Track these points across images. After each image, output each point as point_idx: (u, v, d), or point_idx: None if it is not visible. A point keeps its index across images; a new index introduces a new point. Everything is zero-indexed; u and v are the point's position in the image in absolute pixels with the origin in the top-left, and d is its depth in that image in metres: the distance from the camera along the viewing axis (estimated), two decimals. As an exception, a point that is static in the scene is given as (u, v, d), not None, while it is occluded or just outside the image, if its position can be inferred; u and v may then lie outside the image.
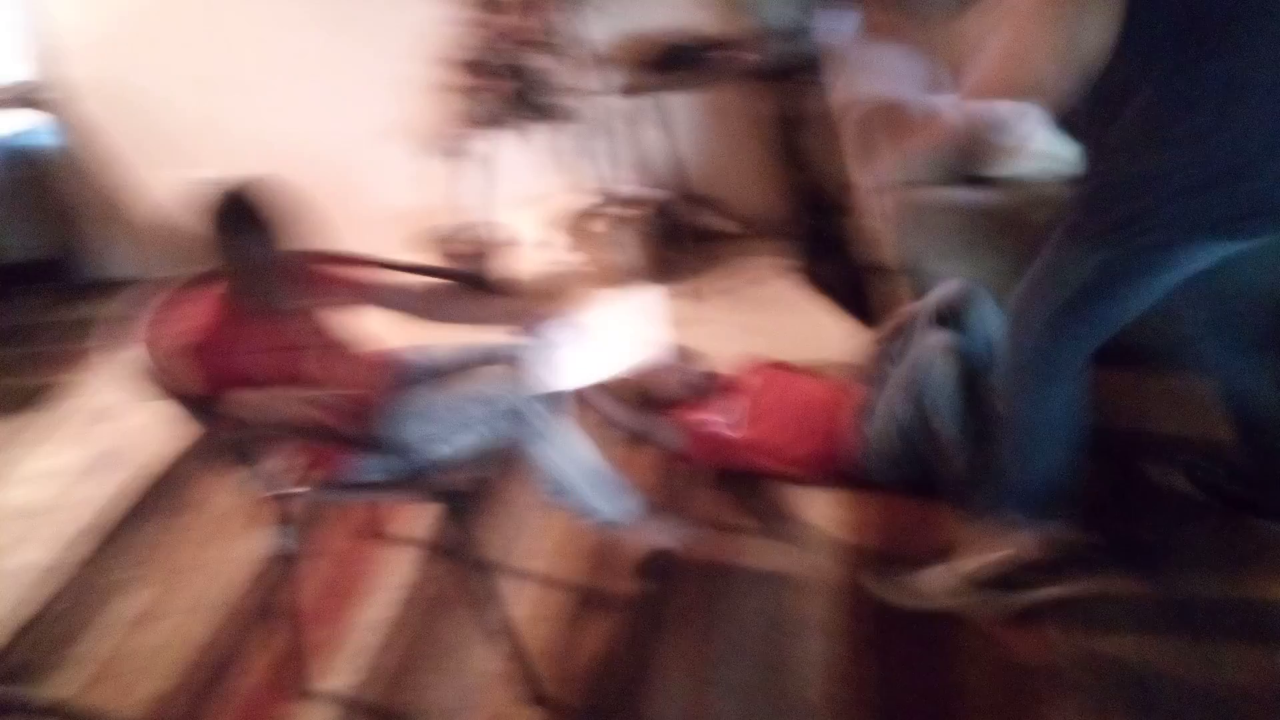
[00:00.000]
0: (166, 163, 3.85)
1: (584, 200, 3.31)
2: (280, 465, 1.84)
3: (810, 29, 2.93)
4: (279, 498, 1.80)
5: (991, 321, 1.99)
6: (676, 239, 3.10)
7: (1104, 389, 1.69)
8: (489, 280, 3.19)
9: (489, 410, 1.77)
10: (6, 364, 3.71)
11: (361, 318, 1.92)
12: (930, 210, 2.23)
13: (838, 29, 2.72)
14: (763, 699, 1.71)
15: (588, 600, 1.98)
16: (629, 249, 3.14)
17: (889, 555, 1.93)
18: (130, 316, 1.71)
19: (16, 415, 3.31)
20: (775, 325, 2.84)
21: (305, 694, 1.92)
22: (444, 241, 3.33)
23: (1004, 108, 1.74)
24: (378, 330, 1.95)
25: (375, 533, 2.32)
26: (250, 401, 1.64)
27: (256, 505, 2.51)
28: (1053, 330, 1.57)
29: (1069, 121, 1.54)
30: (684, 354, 2.37)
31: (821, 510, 2.09)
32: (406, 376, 1.92)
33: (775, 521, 2.09)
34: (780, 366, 2.39)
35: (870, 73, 2.41)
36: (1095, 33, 1.31)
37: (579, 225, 3.29)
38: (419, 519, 2.34)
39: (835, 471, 2.11)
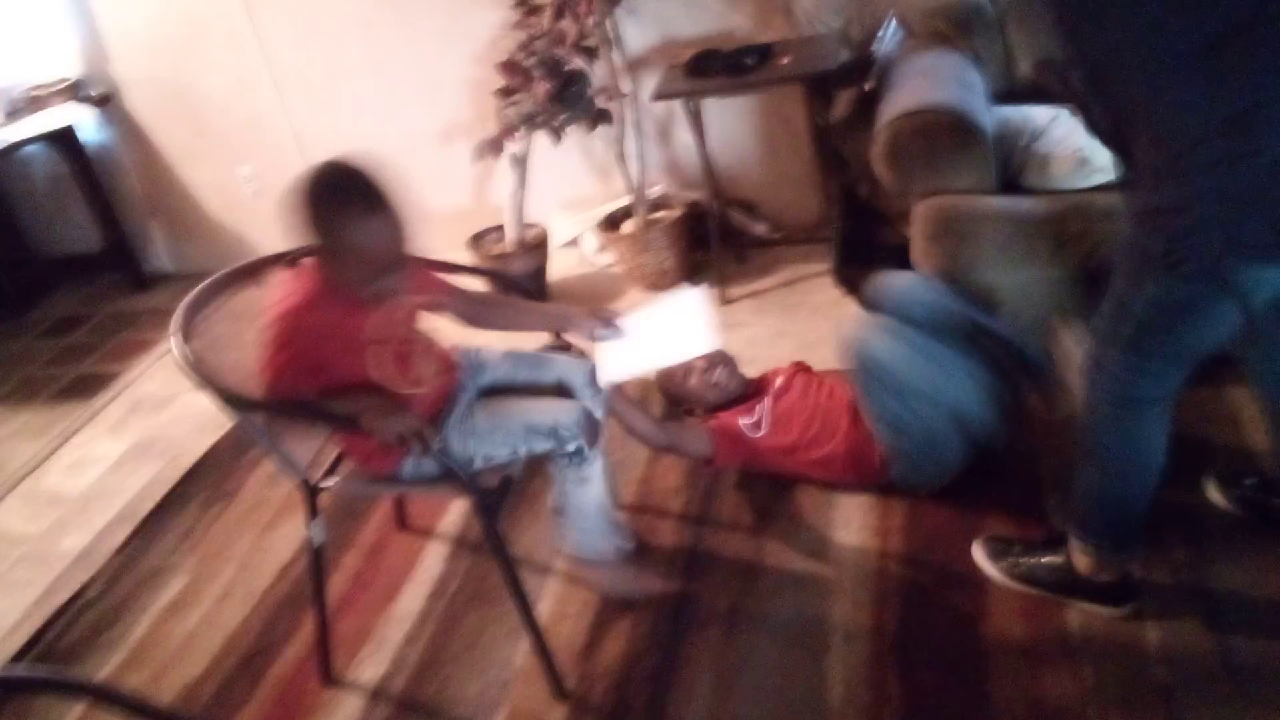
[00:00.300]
0: (215, 160, 3.93)
1: (619, 203, 3.32)
2: (313, 457, 1.86)
3: (856, 37, 2.93)
4: (311, 489, 1.82)
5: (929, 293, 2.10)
6: (712, 242, 3.10)
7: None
8: (529, 283, 3.21)
9: (530, 428, 1.75)
10: (53, 354, 3.80)
11: (426, 320, 1.85)
12: (968, 219, 2.21)
13: (885, 37, 2.71)
14: (786, 701, 1.70)
15: (613, 599, 1.98)
16: (662, 252, 3.15)
17: (915, 558, 1.92)
18: (174, 309, 1.72)
19: (61, 403, 3.39)
20: (806, 329, 2.83)
21: (333, 683, 1.95)
22: (486, 244, 3.36)
23: None
24: (434, 333, 1.90)
25: (404, 526, 2.35)
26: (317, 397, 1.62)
27: (289, 496, 2.55)
28: (1126, 365, 1.52)
29: (1108, 134, 1.51)
30: (721, 356, 2.36)
31: (847, 513, 2.08)
32: (464, 383, 1.88)
33: (801, 524, 2.08)
34: (809, 370, 2.39)
35: (917, 81, 2.40)
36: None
37: (615, 228, 3.30)
38: (448, 514, 2.36)
39: (862, 475, 2.10)
